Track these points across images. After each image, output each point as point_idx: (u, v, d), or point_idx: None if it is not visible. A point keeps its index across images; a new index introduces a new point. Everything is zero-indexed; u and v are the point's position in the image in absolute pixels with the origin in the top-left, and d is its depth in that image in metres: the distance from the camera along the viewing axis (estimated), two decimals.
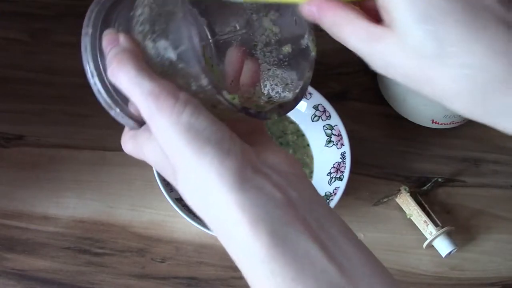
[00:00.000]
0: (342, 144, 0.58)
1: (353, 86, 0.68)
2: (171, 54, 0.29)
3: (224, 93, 0.29)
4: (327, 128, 0.59)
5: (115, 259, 0.57)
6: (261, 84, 0.36)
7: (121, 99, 0.32)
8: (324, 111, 0.60)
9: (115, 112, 0.32)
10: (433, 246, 0.58)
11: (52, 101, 0.65)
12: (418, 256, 0.58)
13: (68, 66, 0.68)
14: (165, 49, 0.29)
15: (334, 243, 0.27)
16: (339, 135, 0.58)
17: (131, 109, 0.32)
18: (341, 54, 0.69)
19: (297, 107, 0.60)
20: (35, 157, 0.62)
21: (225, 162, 0.26)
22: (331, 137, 0.59)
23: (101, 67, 0.32)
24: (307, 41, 0.35)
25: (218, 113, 0.29)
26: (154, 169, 0.54)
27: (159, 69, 0.30)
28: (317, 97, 0.60)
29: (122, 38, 0.30)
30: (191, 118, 0.27)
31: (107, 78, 0.32)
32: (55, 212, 0.59)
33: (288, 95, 0.34)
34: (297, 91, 0.34)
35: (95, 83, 0.33)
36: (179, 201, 0.54)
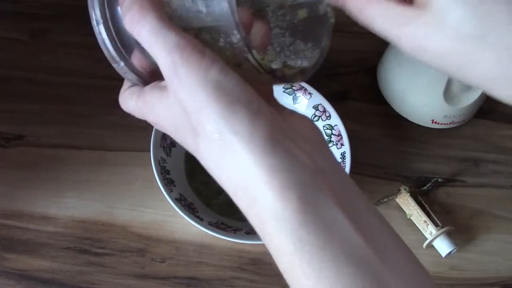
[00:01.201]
0: (342, 144, 0.58)
1: (353, 86, 0.68)
2: (201, 7, 0.27)
3: (254, 52, 0.27)
4: (327, 128, 0.59)
5: (115, 259, 0.57)
6: (274, 49, 0.33)
7: (126, 52, 0.30)
8: (324, 111, 0.60)
9: (119, 66, 0.30)
10: (433, 246, 0.58)
11: (52, 101, 0.65)
12: (418, 256, 0.58)
13: (68, 66, 0.68)
14: (193, 1, 0.27)
15: (360, 214, 0.26)
16: (339, 135, 0.58)
17: (136, 63, 0.30)
18: (341, 54, 0.69)
19: (297, 107, 0.61)
20: (35, 157, 0.62)
21: (256, 122, 0.25)
22: (331, 137, 0.59)
23: (107, 14, 0.30)
24: (326, 7, 0.32)
25: (240, 73, 0.27)
26: (154, 168, 0.54)
27: (182, 23, 0.28)
28: (317, 97, 0.60)
29: None
30: (220, 75, 0.25)
31: (114, 27, 0.30)
32: (55, 212, 0.59)
33: (304, 63, 0.32)
34: (315, 59, 0.31)
35: (100, 32, 0.30)
36: (179, 201, 0.54)
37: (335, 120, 0.59)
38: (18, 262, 0.56)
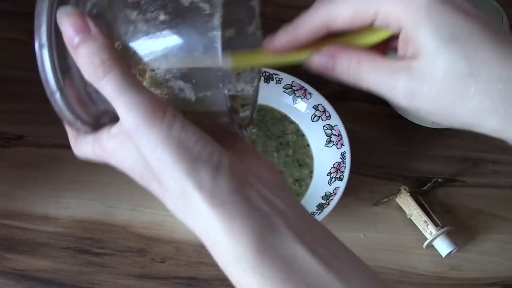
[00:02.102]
0: (342, 144, 0.58)
1: (353, 86, 0.68)
2: (190, 96, 0.28)
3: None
4: (327, 128, 0.59)
5: (115, 259, 0.57)
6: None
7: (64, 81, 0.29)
8: (324, 111, 0.60)
9: (55, 98, 0.30)
10: (433, 246, 0.58)
11: None
12: (418, 256, 0.58)
13: None
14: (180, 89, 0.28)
15: (321, 245, 0.28)
16: (339, 135, 0.58)
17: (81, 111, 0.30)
18: None
19: (297, 107, 0.61)
20: (35, 157, 0.62)
21: (216, 177, 0.26)
22: (331, 137, 0.59)
23: (53, 39, 0.28)
24: (255, 29, 0.34)
25: (196, 119, 0.28)
26: None
27: (138, 71, 0.28)
28: (317, 97, 0.60)
29: (94, 30, 0.27)
30: (181, 133, 0.26)
31: (57, 54, 0.29)
32: (55, 212, 0.59)
33: (248, 88, 0.33)
34: (255, 82, 0.33)
35: (42, 58, 0.30)
36: None
37: (335, 120, 0.59)
38: (18, 262, 0.56)
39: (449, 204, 0.62)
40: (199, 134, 0.27)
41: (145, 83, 0.28)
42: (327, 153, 0.59)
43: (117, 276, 0.56)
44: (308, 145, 0.61)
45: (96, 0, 0.28)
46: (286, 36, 0.32)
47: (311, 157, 0.60)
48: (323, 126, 0.60)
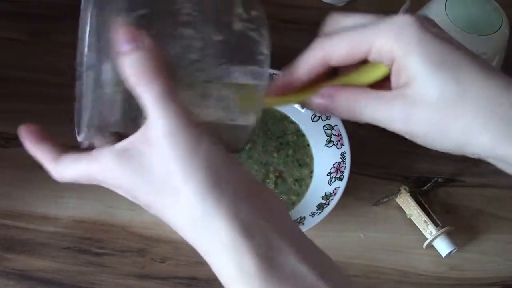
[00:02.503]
0: (342, 144, 0.58)
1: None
2: (227, 118, 0.30)
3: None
4: (327, 128, 0.59)
5: (115, 259, 0.57)
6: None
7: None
8: None
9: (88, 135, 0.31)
10: (433, 246, 0.58)
11: (52, 101, 0.65)
12: (418, 256, 0.58)
13: (68, 66, 0.68)
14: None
15: (315, 258, 0.30)
16: (339, 135, 0.58)
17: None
18: None
19: (297, 107, 0.61)
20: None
21: (237, 204, 0.28)
22: (331, 137, 0.59)
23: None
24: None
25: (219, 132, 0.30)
26: None
27: (185, 82, 0.29)
28: None
29: (147, 41, 0.28)
30: (211, 147, 0.28)
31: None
32: (55, 212, 0.59)
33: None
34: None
35: (83, 80, 0.29)
36: None
37: (335, 120, 0.59)
38: (18, 262, 0.56)
39: (449, 204, 0.62)
40: (224, 154, 0.28)
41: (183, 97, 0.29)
42: (327, 153, 0.59)
43: (117, 276, 0.56)
44: (308, 145, 0.61)
45: (145, 12, 0.29)
46: (286, 77, 0.35)
47: (311, 157, 0.60)
48: (323, 126, 0.60)
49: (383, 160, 0.64)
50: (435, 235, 0.57)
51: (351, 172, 0.56)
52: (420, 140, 0.33)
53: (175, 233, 0.58)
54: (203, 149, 0.27)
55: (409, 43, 0.30)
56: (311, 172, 0.59)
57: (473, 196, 0.62)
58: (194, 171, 0.27)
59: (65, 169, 0.31)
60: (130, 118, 0.29)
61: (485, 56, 0.57)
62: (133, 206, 0.60)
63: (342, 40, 0.33)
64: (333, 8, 0.74)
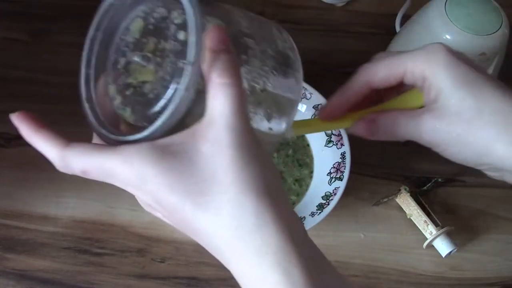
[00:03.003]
0: (342, 144, 0.58)
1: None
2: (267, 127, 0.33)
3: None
4: None
5: (115, 259, 0.57)
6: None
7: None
8: None
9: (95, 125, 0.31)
10: (433, 246, 0.58)
11: (52, 101, 0.65)
12: (418, 256, 0.58)
13: (68, 66, 0.68)
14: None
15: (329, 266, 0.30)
16: (339, 135, 0.58)
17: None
18: (341, 54, 0.69)
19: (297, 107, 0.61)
20: (35, 157, 0.61)
21: (289, 224, 0.27)
22: (331, 137, 0.59)
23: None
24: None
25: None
26: None
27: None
28: (317, 97, 0.60)
29: (231, 47, 0.29)
30: (264, 155, 0.29)
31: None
32: (55, 212, 0.59)
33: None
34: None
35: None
36: None
37: None
38: (18, 262, 0.56)
39: (449, 204, 0.62)
40: (276, 169, 0.29)
41: None
42: (327, 153, 0.59)
43: (117, 276, 0.56)
44: (308, 145, 0.61)
45: (217, 22, 0.31)
46: (337, 100, 0.40)
47: (311, 157, 0.60)
48: None
49: (383, 160, 0.64)
50: (435, 235, 0.57)
51: (351, 172, 0.56)
52: (444, 151, 0.37)
53: (175, 233, 0.59)
54: (262, 155, 0.28)
55: (437, 64, 0.35)
56: (311, 172, 0.59)
57: (473, 196, 0.62)
58: (251, 171, 0.27)
59: (76, 159, 0.29)
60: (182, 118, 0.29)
61: (485, 56, 0.57)
62: (133, 206, 0.60)
63: (381, 64, 0.38)
64: (333, 8, 0.74)
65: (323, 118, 0.41)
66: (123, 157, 0.27)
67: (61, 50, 0.70)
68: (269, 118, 0.33)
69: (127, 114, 0.31)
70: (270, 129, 0.33)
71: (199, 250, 0.57)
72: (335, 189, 0.56)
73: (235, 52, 0.29)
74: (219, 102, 0.27)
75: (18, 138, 0.65)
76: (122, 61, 0.31)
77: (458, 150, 0.36)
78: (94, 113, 0.31)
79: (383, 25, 0.73)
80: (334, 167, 0.58)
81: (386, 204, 0.61)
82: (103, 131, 0.30)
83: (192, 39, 0.27)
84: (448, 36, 0.56)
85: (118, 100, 0.31)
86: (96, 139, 0.31)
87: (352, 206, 0.60)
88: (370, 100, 0.41)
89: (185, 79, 0.27)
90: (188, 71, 0.27)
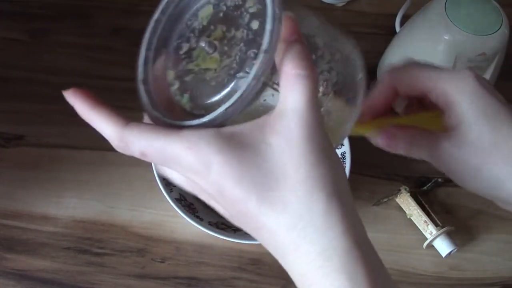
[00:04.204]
0: (342, 144, 0.58)
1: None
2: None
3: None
4: None
5: (115, 259, 0.57)
6: None
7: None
8: None
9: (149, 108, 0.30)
10: (433, 246, 0.58)
11: (52, 101, 0.65)
12: (418, 256, 0.58)
13: (68, 66, 0.68)
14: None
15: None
16: None
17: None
18: None
19: None
20: (35, 157, 0.62)
21: (355, 228, 0.27)
22: None
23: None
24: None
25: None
26: (154, 168, 0.54)
27: None
28: None
29: (304, 40, 0.28)
30: (335, 154, 0.28)
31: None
32: (55, 212, 0.59)
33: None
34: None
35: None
36: (179, 201, 0.54)
37: None
38: (18, 262, 0.56)
39: (449, 204, 0.62)
40: (344, 169, 0.30)
41: None
42: None
43: (117, 276, 0.56)
44: None
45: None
46: (365, 101, 0.39)
47: None
48: None
49: (383, 160, 0.63)
50: (435, 235, 0.57)
51: (351, 172, 0.56)
52: (457, 179, 0.38)
53: (175, 233, 0.59)
54: (332, 153, 0.27)
55: (463, 93, 0.35)
56: None
57: (473, 196, 0.61)
58: (323, 170, 0.26)
59: (136, 139, 0.27)
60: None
61: (485, 56, 0.57)
62: (133, 206, 0.60)
63: (412, 71, 0.38)
64: (333, 8, 0.74)
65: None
66: (188, 142, 0.26)
67: (61, 50, 0.70)
68: (329, 123, 0.32)
69: (185, 100, 0.30)
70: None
71: (199, 250, 0.57)
72: None
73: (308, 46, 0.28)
74: (293, 94, 0.26)
75: (18, 138, 0.65)
76: (185, 46, 0.31)
77: (472, 180, 0.37)
78: (150, 95, 0.30)
79: (383, 25, 0.73)
80: None
81: (386, 204, 0.61)
82: (158, 114, 0.29)
83: (268, 27, 0.26)
84: (448, 36, 0.56)
85: (176, 86, 0.31)
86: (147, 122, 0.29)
87: None
88: (388, 113, 0.41)
89: (256, 68, 0.26)
90: (259, 60, 0.26)
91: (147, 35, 0.31)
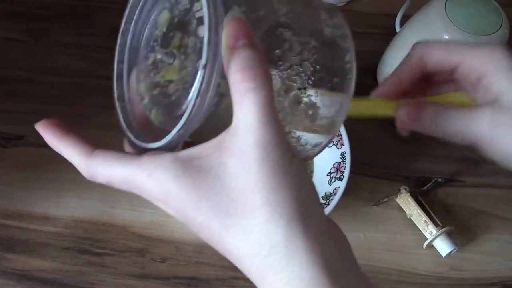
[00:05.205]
0: (342, 144, 0.58)
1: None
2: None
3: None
4: None
5: (115, 259, 0.57)
6: None
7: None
8: None
9: (124, 128, 0.28)
10: (433, 246, 0.58)
11: (52, 101, 0.65)
12: (418, 256, 0.58)
13: (68, 66, 0.68)
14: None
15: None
16: (339, 135, 0.58)
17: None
18: None
19: None
20: (35, 157, 0.62)
21: (323, 252, 0.25)
22: None
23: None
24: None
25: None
26: None
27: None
28: None
29: (257, 42, 0.24)
30: (300, 171, 0.25)
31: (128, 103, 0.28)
32: (55, 212, 0.59)
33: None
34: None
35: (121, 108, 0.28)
36: None
37: None
38: (18, 262, 0.56)
39: (449, 204, 0.62)
40: (310, 180, 0.26)
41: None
42: (327, 153, 0.59)
43: (117, 276, 0.56)
44: None
45: (245, 9, 0.27)
46: (391, 79, 0.39)
47: None
48: None
49: (383, 160, 0.64)
50: (435, 235, 0.57)
51: (351, 172, 0.56)
52: (492, 147, 0.34)
53: (175, 233, 0.59)
54: (294, 170, 0.24)
55: (498, 64, 0.34)
56: (311, 172, 0.59)
57: (473, 196, 0.62)
58: (282, 191, 0.24)
59: (101, 168, 0.27)
60: (208, 126, 0.26)
61: None
62: (133, 206, 0.60)
63: (439, 46, 0.37)
64: (333, 8, 0.74)
65: (381, 96, 0.40)
66: (147, 170, 0.25)
67: (61, 50, 0.70)
68: (313, 117, 0.29)
69: (153, 115, 0.28)
70: (316, 129, 0.30)
71: (199, 250, 0.57)
72: (335, 189, 0.56)
73: (262, 48, 0.24)
74: (243, 110, 0.24)
75: (18, 138, 0.65)
76: (151, 56, 0.29)
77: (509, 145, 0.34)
78: (124, 113, 0.29)
79: (383, 25, 0.73)
80: (334, 167, 0.58)
81: (386, 204, 0.61)
82: (130, 136, 0.28)
83: (205, 38, 0.23)
84: (448, 36, 0.56)
85: (146, 100, 0.29)
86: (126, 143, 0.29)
87: (352, 206, 0.60)
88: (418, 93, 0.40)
89: (197, 85, 0.24)
90: (200, 76, 0.23)
91: (117, 47, 0.30)
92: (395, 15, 0.70)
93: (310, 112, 0.29)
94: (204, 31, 0.23)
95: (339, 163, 0.57)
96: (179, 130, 0.25)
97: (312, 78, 0.29)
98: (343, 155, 0.57)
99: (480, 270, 0.58)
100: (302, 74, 0.28)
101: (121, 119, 0.29)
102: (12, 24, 0.71)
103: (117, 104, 0.29)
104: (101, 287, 0.56)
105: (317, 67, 0.29)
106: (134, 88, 0.30)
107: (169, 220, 0.59)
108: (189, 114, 0.24)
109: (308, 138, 0.30)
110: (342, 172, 0.56)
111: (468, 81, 0.36)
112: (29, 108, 0.65)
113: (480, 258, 0.59)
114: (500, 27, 0.56)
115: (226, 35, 0.24)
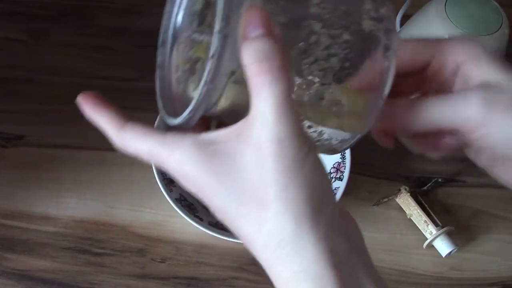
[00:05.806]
0: None
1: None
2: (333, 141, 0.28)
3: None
4: None
5: (115, 259, 0.57)
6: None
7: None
8: None
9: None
10: (433, 246, 0.58)
11: (52, 101, 0.65)
12: (418, 256, 0.58)
13: (68, 66, 0.68)
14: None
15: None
16: None
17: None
18: None
19: None
20: (35, 157, 0.62)
21: (333, 247, 0.25)
22: None
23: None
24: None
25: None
26: (153, 168, 0.54)
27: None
28: None
29: (278, 33, 0.24)
30: (316, 165, 0.25)
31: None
32: (55, 212, 0.59)
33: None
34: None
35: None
36: (179, 201, 0.54)
37: None
38: (18, 262, 0.56)
39: (449, 204, 0.62)
40: (325, 174, 0.26)
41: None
42: None
43: (117, 276, 0.56)
44: None
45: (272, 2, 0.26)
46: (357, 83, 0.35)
47: None
48: None
49: (383, 160, 0.64)
50: (435, 235, 0.57)
51: (351, 172, 0.56)
52: (491, 131, 0.31)
53: (175, 233, 0.59)
54: (308, 166, 0.24)
55: (473, 49, 0.32)
56: None
57: (473, 196, 0.62)
58: (294, 188, 0.24)
59: (132, 140, 0.27)
60: (232, 110, 0.26)
61: None
62: (133, 206, 0.60)
63: (408, 46, 0.33)
64: None
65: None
66: (169, 151, 0.26)
67: (61, 50, 0.70)
68: (338, 114, 0.28)
69: (181, 90, 0.28)
70: (341, 126, 0.29)
71: (199, 250, 0.57)
72: (335, 189, 0.56)
73: (281, 38, 0.24)
74: (260, 104, 0.24)
75: (18, 138, 0.65)
76: (190, 30, 0.28)
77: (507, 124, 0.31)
78: (162, 82, 0.28)
79: None
80: (334, 167, 0.58)
81: (386, 204, 0.61)
82: (160, 105, 0.28)
83: (216, 26, 0.22)
84: (448, 36, 0.56)
85: (179, 73, 0.29)
86: None
87: (352, 206, 0.60)
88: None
89: (206, 74, 0.23)
90: (208, 66, 0.23)
91: (165, 13, 0.29)
92: (395, 15, 0.70)
93: (334, 108, 0.28)
94: (215, 20, 0.23)
95: (339, 163, 0.57)
96: (188, 113, 0.25)
97: (339, 75, 0.27)
98: (343, 155, 0.57)
99: (480, 270, 0.58)
100: (327, 69, 0.27)
101: (157, 88, 0.29)
102: (12, 24, 0.71)
103: (157, 72, 0.29)
104: (101, 287, 0.56)
105: (347, 64, 0.27)
106: (174, 59, 0.29)
107: (169, 220, 0.59)
108: (197, 101, 0.24)
109: (333, 133, 0.29)
110: (342, 172, 0.56)
111: (444, 74, 0.33)
112: (29, 108, 0.65)
113: (480, 258, 0.59)
114: (500, 27, 0.56)
115: (242, 25, 0.24)
